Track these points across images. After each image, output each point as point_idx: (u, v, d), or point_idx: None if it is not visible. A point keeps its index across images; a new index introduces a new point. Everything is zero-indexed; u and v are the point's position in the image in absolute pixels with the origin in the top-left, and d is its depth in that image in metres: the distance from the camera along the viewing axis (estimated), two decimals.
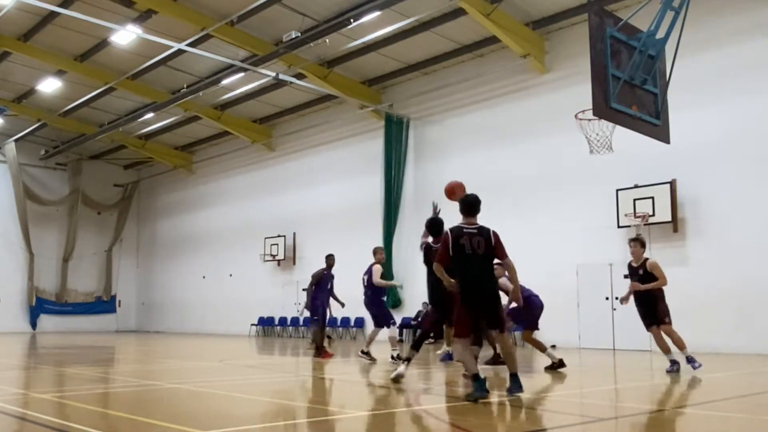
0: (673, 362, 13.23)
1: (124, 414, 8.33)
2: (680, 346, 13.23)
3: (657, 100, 12.97)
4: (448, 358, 16.02)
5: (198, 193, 41.01)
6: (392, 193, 28.57)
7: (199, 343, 24.77)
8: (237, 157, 37.85)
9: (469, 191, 25.67)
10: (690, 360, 13.18)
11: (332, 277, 18.07)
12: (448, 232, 9.74)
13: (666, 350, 13.31)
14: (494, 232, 9.62)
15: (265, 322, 33.29)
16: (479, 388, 9.05)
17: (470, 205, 10.00)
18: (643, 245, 13.74)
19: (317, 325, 17.93)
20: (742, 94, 19.86)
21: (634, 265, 13.55)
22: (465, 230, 9.63)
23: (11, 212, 40.22)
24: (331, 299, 18.12)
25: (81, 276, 42.78)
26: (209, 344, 25.49)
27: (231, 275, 36.22)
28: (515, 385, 9.35)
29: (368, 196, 29.28)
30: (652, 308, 13.40)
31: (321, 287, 17.68)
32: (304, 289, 21.33)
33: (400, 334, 27.29)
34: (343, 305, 18.50)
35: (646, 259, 13.54)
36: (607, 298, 21.76)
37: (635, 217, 20.80)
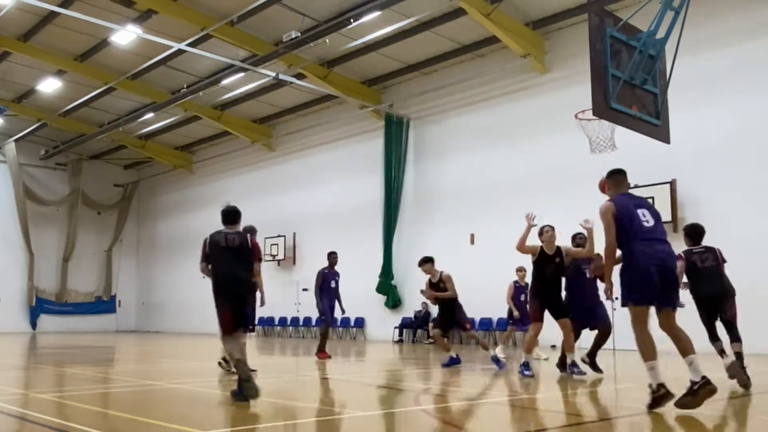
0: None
1: (124, 414, 8.33)
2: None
3: (657, 100, 12.94)
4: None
5: (198, 193, 40.95)
6: (392, 193, 28.55)
7: (200, 343, 24.77)
8: (237, 157, 37.83)
9: (468, 192, 25.88)
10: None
11: (335, 275, 17.40)
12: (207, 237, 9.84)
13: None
14: (250, 236, 9.94)
15: (265, 323, 33.27)
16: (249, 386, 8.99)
17: (227, 215, 9.97)
18: None
19: (324, 325, 17.54)
20: (743, 93, 19.84)
21: (549, 252, 13.16)
22: (223, 231, 9.75)
23: (11, 212, 40.19)
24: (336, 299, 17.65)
25: (81, 276, 42.74)
26: (209, 344, 25.45)
27: None
28: (239, 392, 9.08)
29: (368, 196, 29.27)
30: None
31: (323, 286, 17.33)
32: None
33: (400, 334, 27.33)
34: (343, 311, 17.67)
35: (558, 246, 13.29)
36: (606, 299, 21.71)
37: None
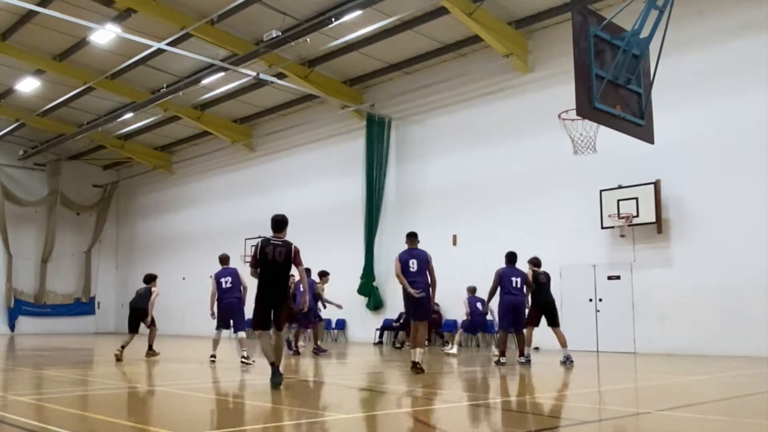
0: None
1: (103, 417, 8.21)
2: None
3: (641, 99, 12.92)
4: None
5: (178, 194, 40.78)
6: (374, 193, 28.44)
7: (179, 345, 24.60)
8: (217, 158, 37.65)
9: (450, 192, 25.78)
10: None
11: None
12: (259, 242, 11.60)
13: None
14: (295, 247, 11.46)
15: (246, 324, 32.97)
16: (274, 374, 11.02)
17: (277, 223, 11.83)
18: None
19: None
20: (727, 93, 19.85)
21: None
22: (272, 242, 11.47)
23: None
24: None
25: (60, 277, 42.46)
26: (189, 346, 25.31)
27: (211, 276, 35.96)
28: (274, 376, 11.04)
29: (350, 196, 29.15)
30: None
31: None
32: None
33: (381, 336, 27.21)
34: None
35: None
36: (590, 300, 21.72)
37: (619, 218, 20.76)
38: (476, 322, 20.59)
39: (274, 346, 11.30)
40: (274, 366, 11.02)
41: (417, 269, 13.85)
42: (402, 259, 14.07)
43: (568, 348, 15.97)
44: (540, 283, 16.37)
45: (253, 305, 11.41)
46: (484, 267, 20.74)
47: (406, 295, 13.80)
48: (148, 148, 40.93)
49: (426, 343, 16.23)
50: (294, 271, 11.60)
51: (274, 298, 11.25)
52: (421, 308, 13.80)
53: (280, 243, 11.42)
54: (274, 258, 11.23)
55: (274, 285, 11.27)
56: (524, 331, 16.21)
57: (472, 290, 20.79)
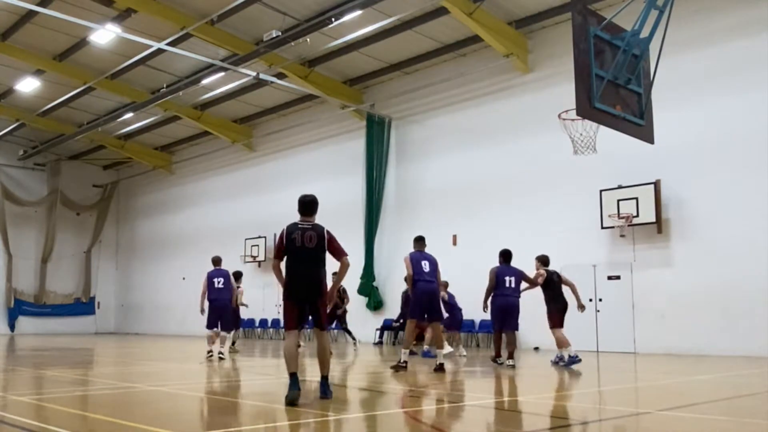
0: None
1: (103, 417, 8.21)
2: None
3: (641, 99, 12.91)
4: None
5: (178, 194, 40.77)
6: (374, 193, 28.45)
7: (179, 345, 24.62)
8: (217, 158, 37.65)
9: (450, 192, 25.75)
10: None
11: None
12: (284, 228, 9.73)
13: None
14: (328, 231, 9.74)
15: (246, 324, 33.01)
16: (291, 386, 9.01)
17: (306, 204, 9.91)
18: None
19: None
20: (727, 93, 19.84)
21: None
22: (299, 226, 9.68)
23: None
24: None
25: (60, 277, 42.49)
26: (189, 346, 25.30)
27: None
28: (324, 389, 9.46)
29: (350, 196, 29.13)
30: None
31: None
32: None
33: (381, 336, 27.22)
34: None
35: None
36: (590, 300, 21.70)
37: (619, 218, 20.76)
38: (458, 318, 19.92)
39: (318, 350, 9.61)
40: (294, 377, 9.15)
41: (429, 270, 14.44)
42: (414, 258, 14.56)
43: (564, 350, 15.89)
44: (555, 283, 16.11)
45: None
46: (484, 267, 20.75)
47: (419, 295, 14.22)
48: (148, 148, 40.94)
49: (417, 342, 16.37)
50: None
51: (307, 291, 9.51)
52: (434, 308, 14.45)
53: (309, 227, 9.67)
54: (304, 244, 9.49)
55: (305, 275, 9.52)
56: (553, 332, 15.89)
57: (446, 285, 19.74)
